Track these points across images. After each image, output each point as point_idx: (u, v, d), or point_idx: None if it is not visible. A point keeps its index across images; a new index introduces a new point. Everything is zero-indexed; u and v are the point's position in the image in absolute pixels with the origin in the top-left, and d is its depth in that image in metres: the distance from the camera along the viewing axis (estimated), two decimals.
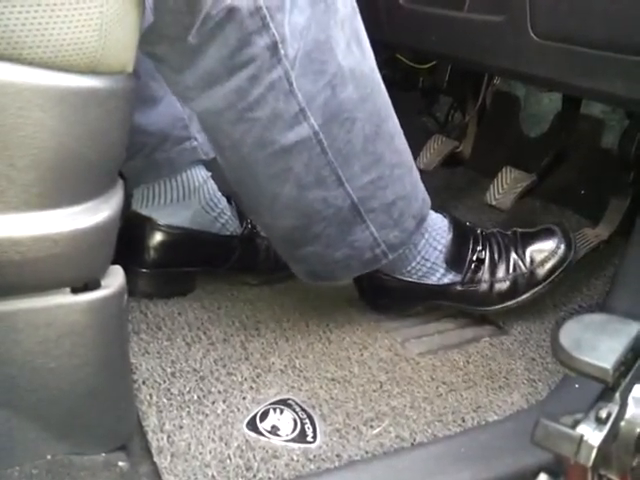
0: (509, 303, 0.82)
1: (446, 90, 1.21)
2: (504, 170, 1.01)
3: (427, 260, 0.80)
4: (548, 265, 0.82)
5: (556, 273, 0.82)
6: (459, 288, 0.81)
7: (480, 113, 1.19)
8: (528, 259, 0.82)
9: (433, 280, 0.81)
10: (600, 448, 0.37)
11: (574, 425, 0.38)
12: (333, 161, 0.66)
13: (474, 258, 0.81)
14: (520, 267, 0.82)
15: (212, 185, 0.87)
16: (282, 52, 0.59)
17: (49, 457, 0.54)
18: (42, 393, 0.51)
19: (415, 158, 0.78)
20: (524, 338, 0.82)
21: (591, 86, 0.74)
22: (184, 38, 0.57)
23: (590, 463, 0.37)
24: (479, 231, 0.84)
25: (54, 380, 0.51)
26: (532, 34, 0.76)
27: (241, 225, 0.89)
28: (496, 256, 0.82)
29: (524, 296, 0.82)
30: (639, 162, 0.92)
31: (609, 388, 0.39)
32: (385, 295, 0.84)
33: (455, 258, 0.81)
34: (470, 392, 0.71)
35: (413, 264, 0.80)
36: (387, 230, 0.73)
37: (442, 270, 0.81)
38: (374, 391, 0.70)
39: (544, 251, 0.83)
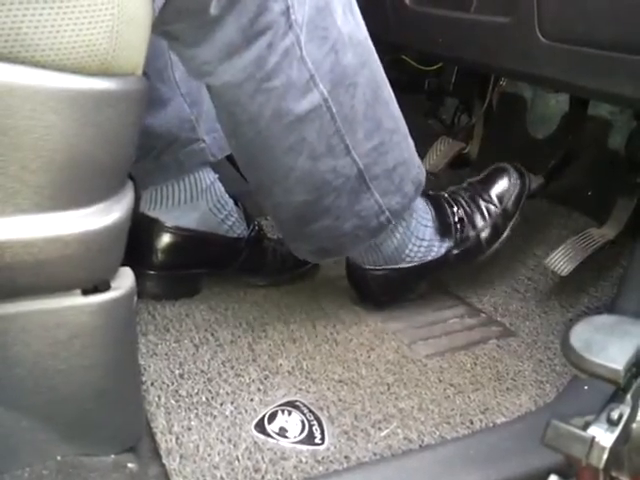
0: (495, 245, 0.88)
1: (452, 92, 1.21)
2: None
3: (422, 239, 0.83)
4: (513, 198, 0.88)
5: (522, 201, 0.89)
6: (455, 252, 0.85)
7: (487, 115, 1.19)
8: (496, 200, 0.88)
9: (432, 255, 0.84)
10: (612, 450, 0.37)
11: (585, 426, 0.38)
12: (341, 128, 0.68)
13: (456, 220, 0.86)
14: (492, 210, 0.87)
15: (220, 187, 0.87)
16: (293, 17, 0.61)
17: (59, 458, 0.54)
18: (52, 394, 0.51)
19: (422, 160, 0.78)
20: (531, 340, 0.82)
21: (599, 87, 0.74)
22: (205, 10, 0.57)
23: (602, 465, 0.37)
24: (446, 195, 0.88)
25: (63, 381, 0.51)
26: (540, 35, 0.76)
27: (248, 227, 0.89)
28: (468, 210, 0.87)
29: (505, 234, 0.88)
30: None
31: (620, 389, 0.39)
32: (387, 289, 0.86)
33: (443, 226, 0.85)
34: (478, 394, 0.70)
35: (410, 246, 0.82)
36: (390, 196, 0.75)
37: (437, 242, 0.85)
38: (382, 393, 0.70)
39: (503, 187, 0.89)
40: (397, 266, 0.83)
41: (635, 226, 0.90)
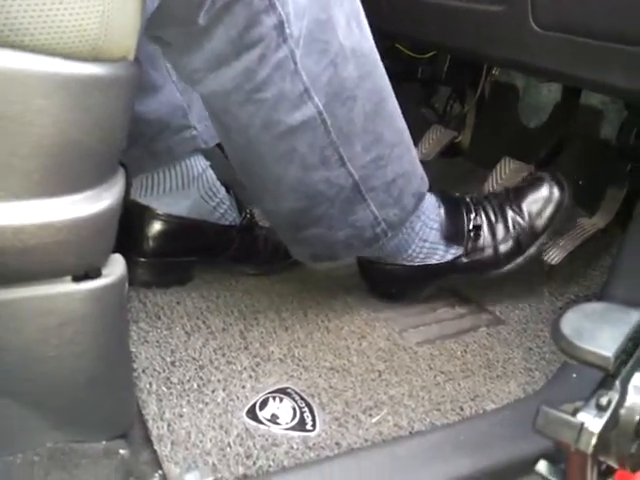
0: (517, 260, 0.83)
1: (445, 80, 1.21)
2: (503, 161, 1.01)
3: (425, 241, 0.81)
4: (546, 214, 0.83)
5: (555, 219, 0.83)
6: (465, 260, 0.82)
7: (479, 103, 1.19)
8: (526, 213, 0.83)
9: (436, 259, 0.82)
10: (600, 435, 0.37)
11: (575, 412, 0.38)
12: (336, 140, 0.67)
13: (471, 227, 0.82)
14: (519, 223, 0.82)
15: (211, 174, 0.87)
16: (287, 31, 0.60)
17: (50, 445, 0.54)
18: (42, 381, 0.51)
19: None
20: (521, 328, 0.83)
21: (591, 77, 0.74)
22: (194, 20, 0.57)
23: (590, 450, 0.37)
24: (468, 199, 0.85)
25: (54, 368, 0.51)
26: (533, 24, 0.75)
27: (240, 215, 0.89)
28: (493, 219, 0.83)
29: (529, 250, 0.82)
30: (637, 153, 0.92)
31: (610, 376, 0.40)
32: (395, 284, 0.85)
33: (452, 232, 0.81)
34: (468, 381, 0.71)
35: (412, 247, 0.80)
36: (387, 209, 0.74)
37: (442, 247, 0.81)
38: (373, 380, 0.70)
39: (539, 200, 0.83)
40: (398, 262, 0.82)
41: (625, 215, 0.91)
